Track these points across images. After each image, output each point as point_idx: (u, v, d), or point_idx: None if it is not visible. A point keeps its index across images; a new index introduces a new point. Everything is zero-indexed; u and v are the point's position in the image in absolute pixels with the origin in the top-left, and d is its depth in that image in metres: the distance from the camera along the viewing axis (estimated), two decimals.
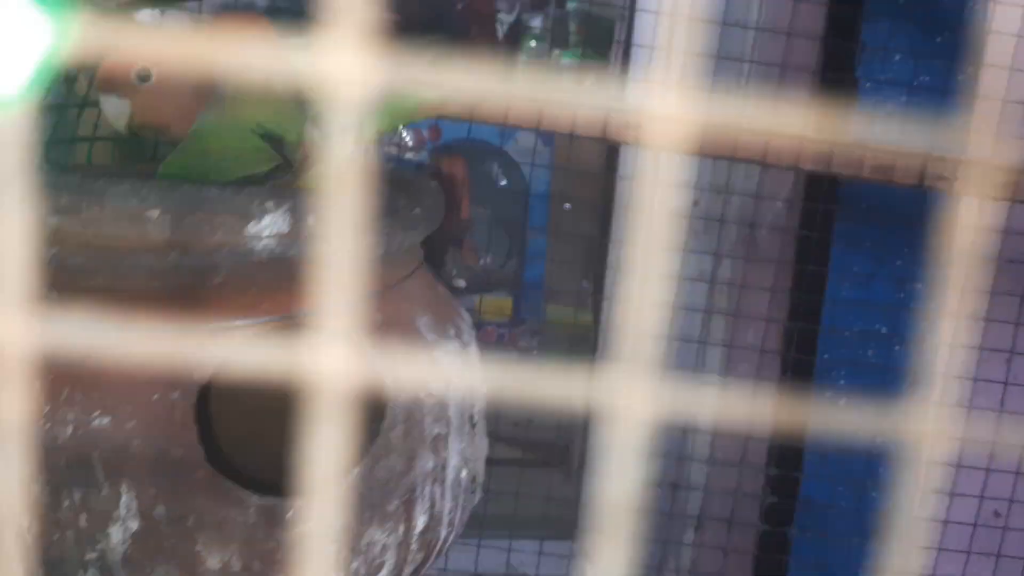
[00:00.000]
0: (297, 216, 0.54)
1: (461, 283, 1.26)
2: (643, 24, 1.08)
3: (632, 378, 0.13)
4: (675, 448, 1.05)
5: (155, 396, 0.53)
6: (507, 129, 1.21)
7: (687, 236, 1.07)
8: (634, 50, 1.08)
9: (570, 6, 1.65)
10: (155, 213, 0.51)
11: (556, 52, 1.64)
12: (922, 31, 1.00)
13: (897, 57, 1.00)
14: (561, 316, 1.23)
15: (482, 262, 1.23)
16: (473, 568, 1.06)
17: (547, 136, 1.22)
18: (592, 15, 1.60)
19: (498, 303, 1.27)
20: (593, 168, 1.19)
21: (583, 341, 1.26)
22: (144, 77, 0.63)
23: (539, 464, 1.30)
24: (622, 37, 1.33)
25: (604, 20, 1.46)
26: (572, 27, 1.65)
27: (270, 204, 0.54)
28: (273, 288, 0.55)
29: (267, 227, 0.53)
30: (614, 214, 1.11)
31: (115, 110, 0.64)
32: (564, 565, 1.09)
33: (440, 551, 0.68)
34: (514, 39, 1.56)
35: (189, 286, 0.52)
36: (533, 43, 1.59)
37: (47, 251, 0.51)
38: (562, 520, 1.18)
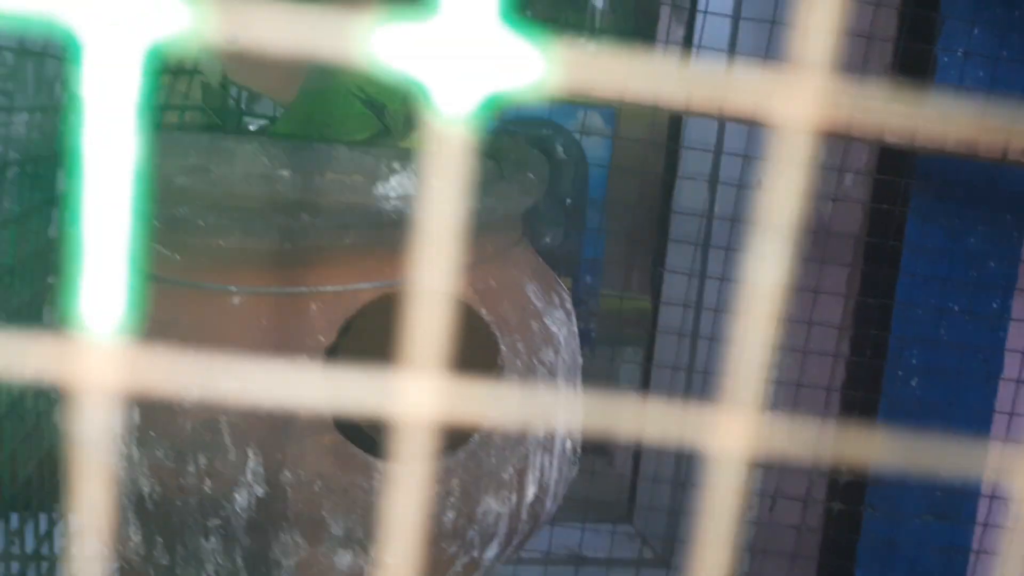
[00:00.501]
0: (423, 177, 0.53)
1: None
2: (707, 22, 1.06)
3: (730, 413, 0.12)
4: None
5: (282, 361, 0.52)
6: (567, 105, 1.20)
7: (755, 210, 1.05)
8: (696, 50, 1.06)
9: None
10: (286, 172, 0.50)
11: (582, 40, 1.63)
12: (1004, 3, 0.98)
13: (977, 30, 0.99)
14: (618, 298, 1.22)
15: (544, 241, 1.22)
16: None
17: (607, 113, 1.21)
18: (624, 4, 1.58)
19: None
20: (655, 157, 1.18)
21: (639, 323, 1.25)
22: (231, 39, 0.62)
23: (582, 450, 1.29)
24: (672, 24, 1.32)
25: (641, 6, 1.44)
26: (598, 15, 1.63)
27: (396, 165, 0.53)
28: (396, 251, 0.54)
29: (394, 188, 0.52)
30: (675, 186, 1.10)
31: (208, 65, 0.64)
32: (606, 544, 1.08)
33: (543, 523, 0.67)
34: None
35: (318, 247, 0.51)
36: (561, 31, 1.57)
37: (176, 210, 0.50)
38: (606, 503, 1.18)
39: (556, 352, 0.63)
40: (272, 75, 0.65)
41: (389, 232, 0.53)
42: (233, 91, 0.83)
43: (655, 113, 1.09)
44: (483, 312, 0.58)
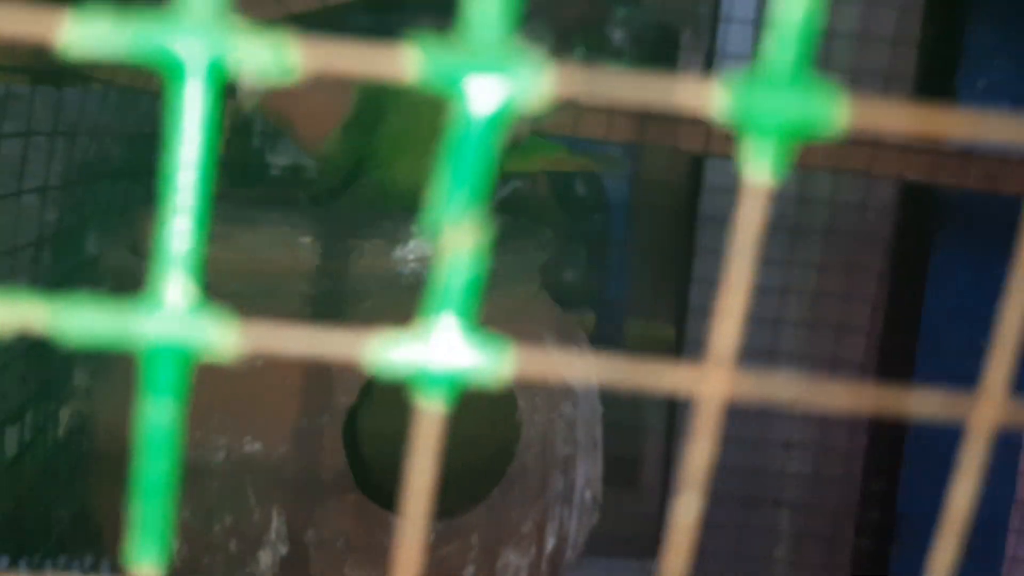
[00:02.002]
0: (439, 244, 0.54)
1: None
2: (730, 33, 1.07)
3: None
4: (772, 464, 1.04)
5: (304, 421, 0.53)
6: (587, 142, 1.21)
7: (783, 248, 1.05)
8: (720, 60, 1.07)
9: (619, 14, 1.64)
10: (307, 239, 0.52)
11: (600, 62, 1.64)
12: None
13: (998, 62, 0.98)
14: (643, 330, 1.23)
15: (565, 278, 1.23)
16: None
17: (629, 147, 1.21)
18: (645, 22, 1.59)
19: (580, 319, 1.27)
20: (675, 179, 1.18)
21: (665, 355, 1.25)
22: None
23: (608, 482, 1.29)
24: (701, 45, 1.32)
25: (662, 27, 1.45)
26: (618, 35, 1.64)
27: (414, 228, 0.54)
28: (416, 310, 0.55)
29: (412, 251, 0.54)
30: (698, 226, 1.10)
31: (246, 90, 0.64)
32: None
33: (563, 573, 0.68)
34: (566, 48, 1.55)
35: (339, 311, 0.53)
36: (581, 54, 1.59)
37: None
38: (633, 538, 1.17)
39: (574, 404, 0.63)
40: (310, 110, 0.66)
41: (408, 293, 0.54)
42: (256, 136, 0.85)
43: (675, 153, 1.10)
44: None
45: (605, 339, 1.30)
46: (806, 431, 1.06)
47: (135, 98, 0.65)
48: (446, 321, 0.11)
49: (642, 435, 1.32)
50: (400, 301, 0.54)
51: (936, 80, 0.99)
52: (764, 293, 0.97)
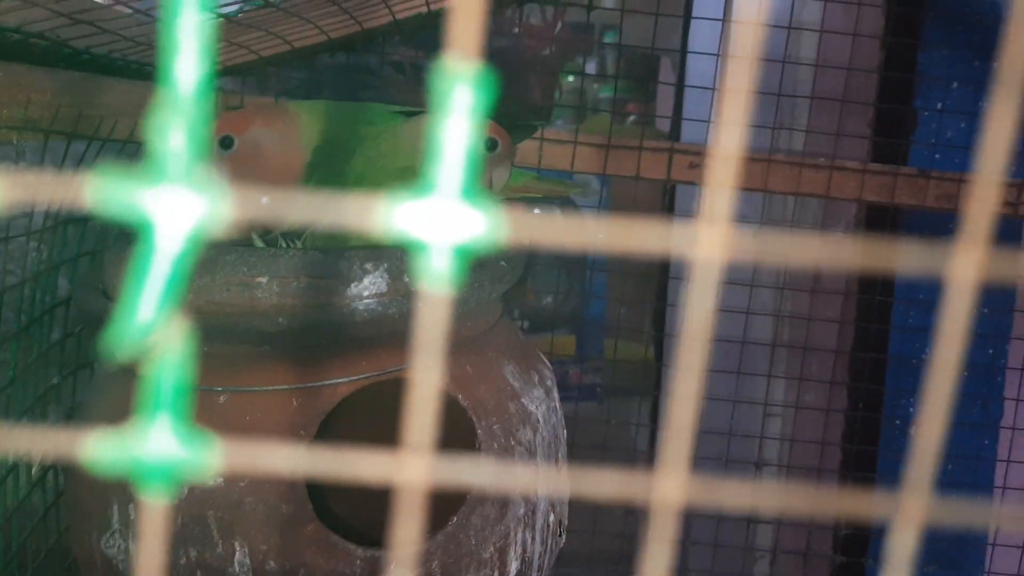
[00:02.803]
0: (394, 275, 0.56)
1: (524, 324, 1.28)
2: (696, 63, 1.10)
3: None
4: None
5: (267, 455, 0.55)
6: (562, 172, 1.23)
7: (750, 270, 1.07)
8: (687, 90, 1.10)
9: (608, 39, 1.67)
10: (263, 279, 0.54)
11: (595, 87, 1.67)
12: (980, 57, 1.00)
13: (955, 85, 1.01)
14: (623, 351, 1.25)
15: (544, 302, 1.25)
16: None
17: (604, 175, 1.24)
18: (632, 49, 1.62)
19: (561, 341, 1.29)
20: (650, 206, 1.21)
21: (646, 375, 1.27)
22: (227, 144, 0.67)
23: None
24: (671, 74, 1.35)
25: (645, 55, 1.48)
26: (610, 61, 1.68)
27: (369, 265, 0.56)
28: (374, 345, 0.57)
29: (367, 287, 0.56)
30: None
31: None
32: None
33: None
34: (554, 76, 1.58)
35: (294, 348, 0.55)
36: (571, 78, 1.62)
37: None
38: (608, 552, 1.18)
39: (535, 431, 0.65)
40: (268, 167, 0.68)
41: (363, 329, 0.56)
42: None
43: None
44: (459, 398, 0.61)
45: (587, 359, 1.32)
46: (777, 453, 1.08)
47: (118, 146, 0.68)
48: (160, 420, 0.13)
49: (632, 455, 1.34)
50: (356, 334, 0.56)
51: (896, 103, 1.02)
52: (730, 316, 0.99)
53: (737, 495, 0.14)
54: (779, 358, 1.09)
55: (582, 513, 1.06)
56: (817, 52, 0.98)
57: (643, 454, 1.27)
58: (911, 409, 1.05)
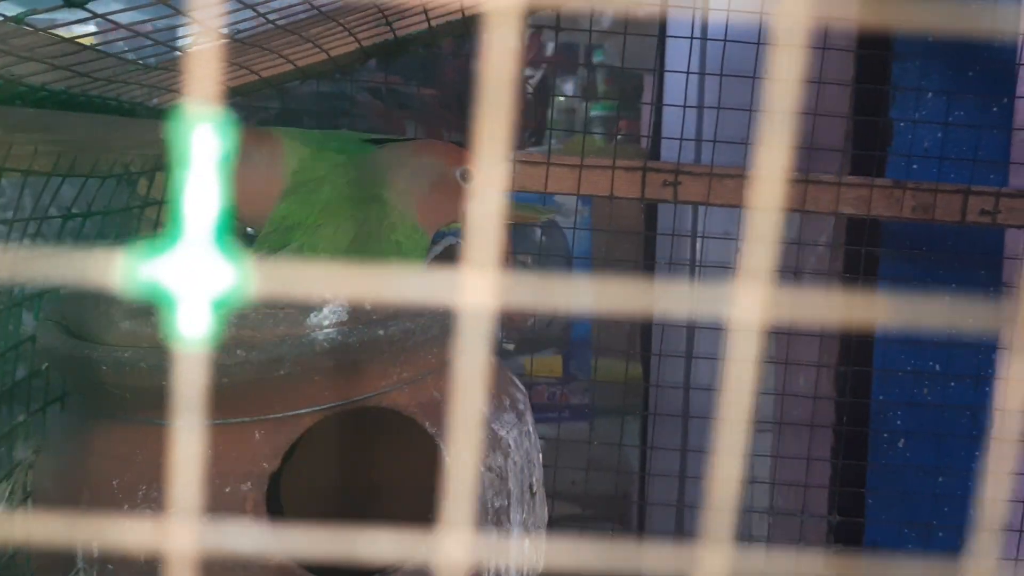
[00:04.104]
0: (355, 303, 0.56)
1: (510, 346, 1.27)
2: (673, 81, 1.10)
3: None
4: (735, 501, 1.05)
5: (227, 489, 0.55)
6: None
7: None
8: (665, 109, 1.10)
9: (597, 58, 1.68)
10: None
11: (585, 105, 1.67)
12: (953, 68, 1.00)
13: (929, 95, 1.01)
14: (611, 371, 1.24)
15: (529, 323, 1.24)
16: None
17: (586, 196, 1.24)
18: (620, 68, 1.63)
19: (548, 362, 1.28)
20: (632, 224, 1.21)
21: (633, 394, 1.26)
22: None
23: (598, 519, 1.30)
24: (652, 92, 1.36)
25: (633, 73, 1.49)
26: (600, 80, 1.68)
27: (328, 294, 0.56)
28: (335, 374, 0.57)
29: (327, 317, 0.55)
30: (656, 269, 1.12)
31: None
32: None
33: None
34: (542, 96, 1.59)
35: (255, 380, 0.54)
36: (562, 98, 1.62)
37: (122, 354, 0.53)
38: None
39: (506, 456, 0.65)
40: (250, 190, 0.68)
41: (325, 358, 0.56)
42: None
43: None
44: (426, 425, 0.60)
45: (573, 379, 1.31)
46: (761, 470, 1.07)
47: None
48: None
49: (623, 477, 1.32)
50: (317, 363, 0.56)
51: (872, 115, 1.02)
52: (716, 332, 0.99)
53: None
54: (766, 373, 1.09)
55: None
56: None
57: (634, 476, 1.27)
58: (898, 422, 1.04)
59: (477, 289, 0.13)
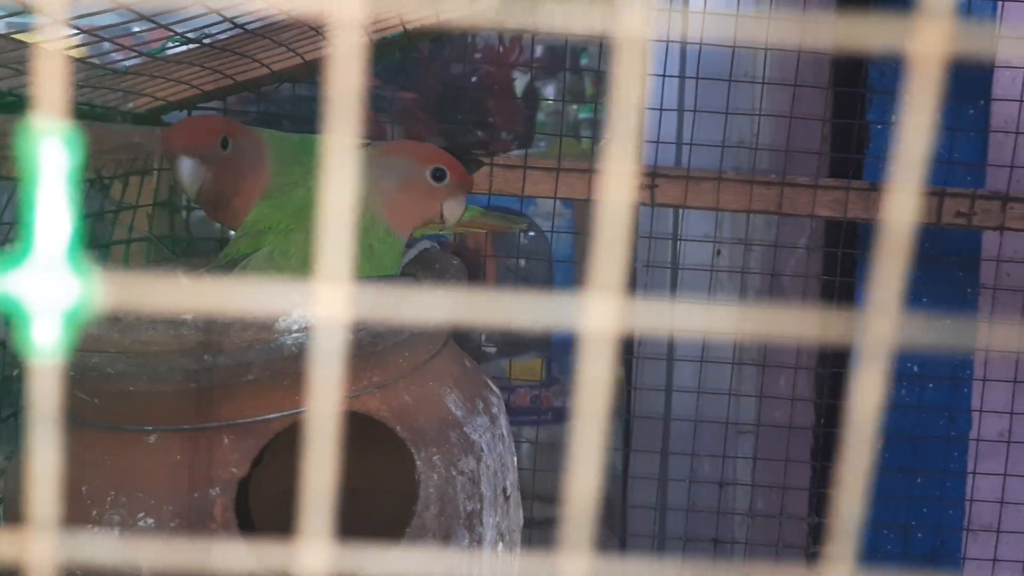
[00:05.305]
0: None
1: (491, 349, 1.27)
2: (652, 84, 1.10)
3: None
4: (714, 503, 1.05)
5: (196, 494, 0.54)
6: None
7: (713, 286, 1.07)
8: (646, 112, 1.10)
9: (583, 62, 1.68)
10: (188, 316, 0.53)
11: (574, 108, 1.67)
12: None
13: (904, 98, 1.01)
14: None
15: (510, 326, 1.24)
16: None
17: (567, 202, 1.24)
18: (606, 71, 1.63)
19: (529, 365, 1.28)
20: None
21: (616, 396, 1.26)
22: (224, 144, 0.66)
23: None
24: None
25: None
26: (587, 82, 1.68)
27: (297, 298, 0.56)
28: (304, 379, 0.57)
29: (296, 321, 0.55)
30: (637, 272, 1.12)
31: (193, 174, 0.66)
32: None
33: None
34: (531, 100, 1.59)
35: (224, 384, 0.54)
36: (550, 101, 1.62)
37: (90, 360, 0.53)
38: None
39: (478, 460, 0.65)
40: (244, 186, 0.68)
41: (293, 363, 0.55)
42: (182, 209, 0.88)
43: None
44: (398, 429, 0.60)
45: (555, 382, 1.32)
46: (743, 471, 1.07)
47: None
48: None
49: (611, 471, 1.32)
50: (286, 368, 0.56)
51: (849, 118, 1.02)
52: (696, 336, 0.99)
53: None
54: (745, 375, 1.09)
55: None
56: (764, 70, 0.98)
57: (617, 478, 1.27)
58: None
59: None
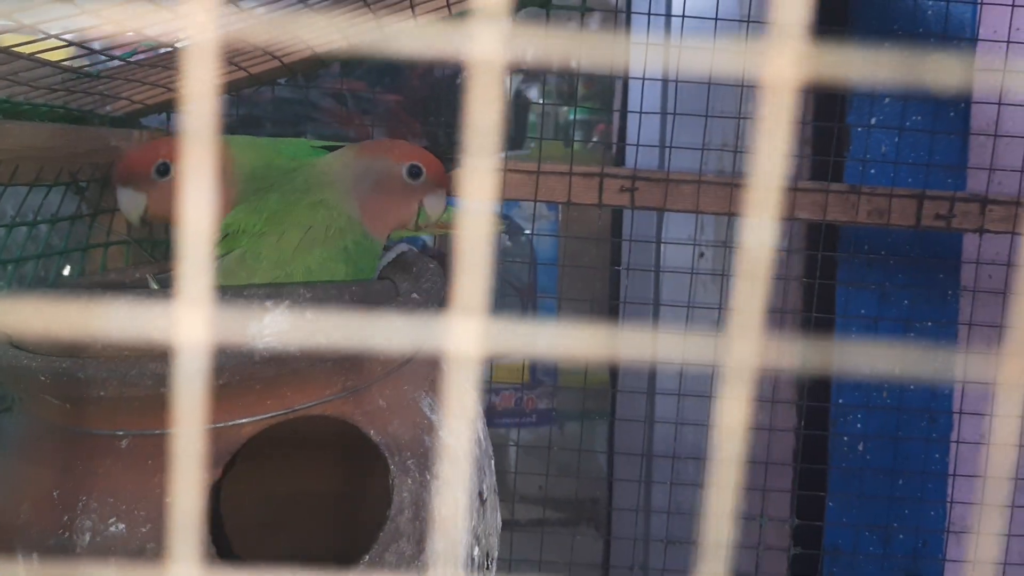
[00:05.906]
0: (296, 312, 0.56)
1: None
2: (635, 87, 1.10)
3: None
4: (695, 505, 1.05)
5: (167, 499, 0.54)
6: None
7: (695, 289, 1.08)
8: (629, 115, 1.10)
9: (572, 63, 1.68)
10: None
11: (564, 109, 1.68)
12: None
13: (886, 100, 1.02)
14: (578, 376, 1.24)
15: None
16: None
17: (552, 205, 1.24)
18: (596, 73, 1.63)
19: (513, 366, 1.28)
20: (597, 228, 1.21)
21: (600, 398, 1.27)
22: (163, 171, 0.67)
23: (564, 524, 1.30)
24: (619, 98, 1.36)
25: (607, 77, 1.49)
26: (578, 84, 1.69)
27: (269, 303, 0.56)
28: (276, 384, 0.56)
29: (268, 326, 0.55)
30: (621, 274, 1.12)
31: (130, 202, 0.67)
32: None
33: None
34: (522, 103, 1.59)
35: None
36: (540, 102, 1.63)
37: (60, 364, 0.53)
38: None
39: (453, 464, 0.65)
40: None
41: (265, 368, 0.55)
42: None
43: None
44: (371, 433, 0.60)
45: (540, 384, 1.32)
46: None
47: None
48: None
49: (590, 480, 1.33)
50: (257, 373, 0.55)
51: (830, 121, 1.03)
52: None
53: None
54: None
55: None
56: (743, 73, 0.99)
57: (602, 480, 1.27)
58: (858, 425, 1.05)
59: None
